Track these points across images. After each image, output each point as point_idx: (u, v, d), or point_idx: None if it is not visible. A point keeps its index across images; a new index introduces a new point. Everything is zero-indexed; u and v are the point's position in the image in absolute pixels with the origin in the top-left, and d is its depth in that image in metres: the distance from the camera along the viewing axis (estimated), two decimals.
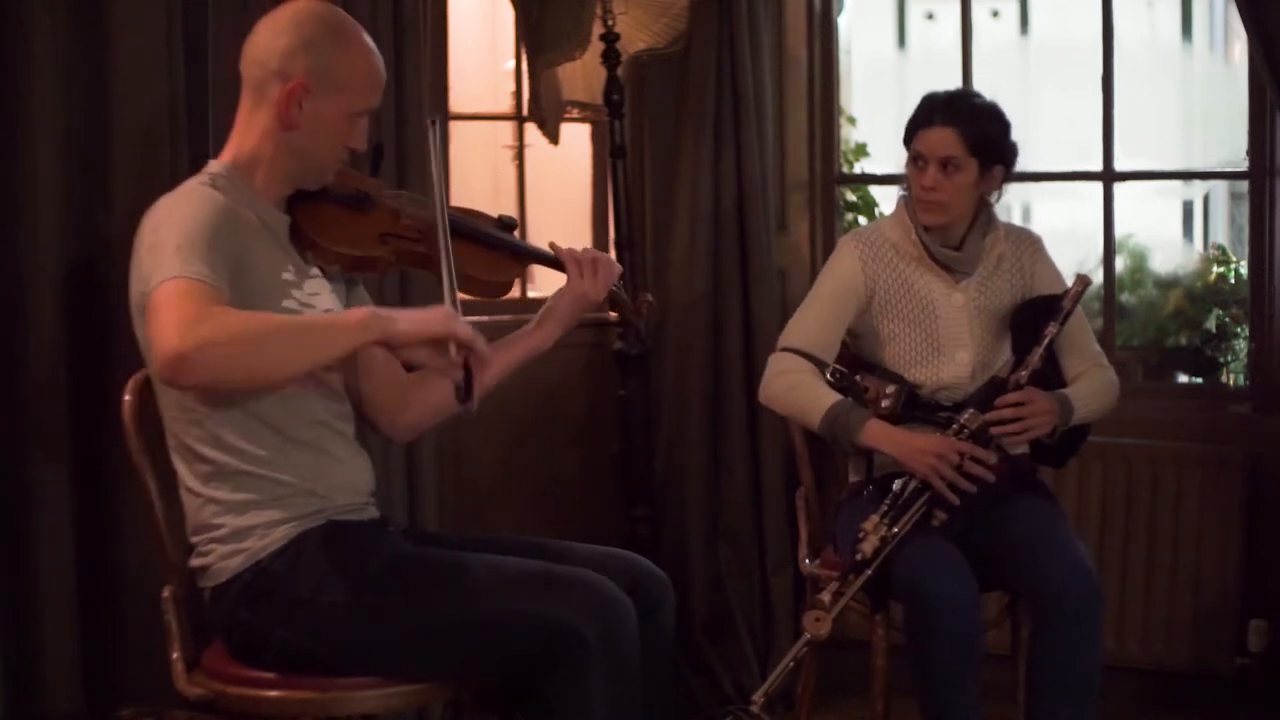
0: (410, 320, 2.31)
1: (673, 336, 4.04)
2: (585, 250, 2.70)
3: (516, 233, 2.73)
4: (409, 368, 2.58)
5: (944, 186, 3.09)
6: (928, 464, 2.92)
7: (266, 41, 2.46)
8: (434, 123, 2.55)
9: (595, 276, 2.66)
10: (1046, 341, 3.03)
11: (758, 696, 2.82)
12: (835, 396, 3.05)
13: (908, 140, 3.14)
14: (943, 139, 3.07)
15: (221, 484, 2.43)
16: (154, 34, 2.84)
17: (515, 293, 4.07)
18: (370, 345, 2.32)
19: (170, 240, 2.28)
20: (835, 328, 3.18)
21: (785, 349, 3.16)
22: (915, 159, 3.12)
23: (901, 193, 3.24)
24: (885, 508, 2.92)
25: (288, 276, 2.47)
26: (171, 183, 2.58)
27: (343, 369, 2.59)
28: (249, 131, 2.48)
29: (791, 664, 2.81)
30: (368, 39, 2.51)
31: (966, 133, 3.07)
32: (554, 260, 2.70)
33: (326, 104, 2.45)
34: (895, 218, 3.23)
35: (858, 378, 3.08)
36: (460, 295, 2.44)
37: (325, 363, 2.36)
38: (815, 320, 3.18)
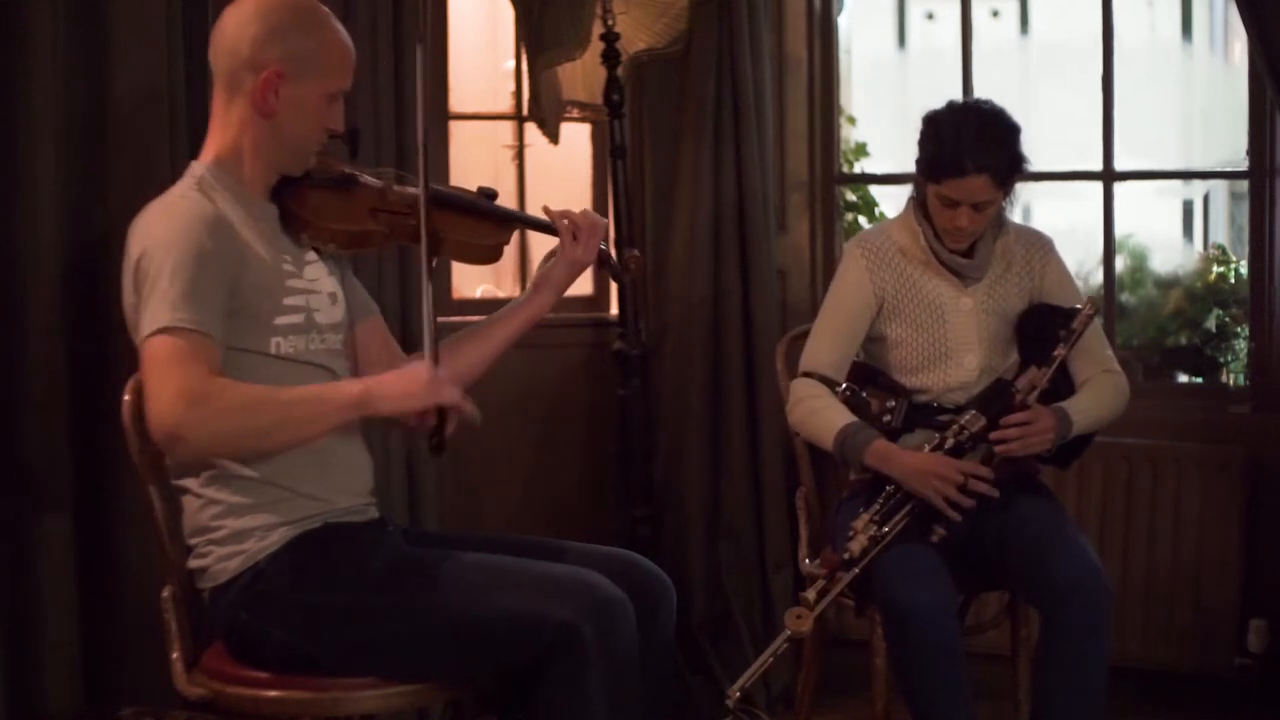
0: (397, 397, 2.39)
1: (673, 336, 4.04)
2: (573, 212, 2.71)
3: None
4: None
5: (976, 221, 3.08)
6: (932, 486, 2.93)
7: (235, 31, 2.45)
8: (422, 39, 2.51)
9: (587, 238, 2.68)
10: (1055, 365, 3.03)
11: (733, 690, 2.81)
12: (845, 419, 3.07)
13: (933, 179, 3.06)
14: (978, 186, 3.01)
15: (222, 486, 2.43)
16: (154, 33, 2.84)
17: (515, 292, 4.10)
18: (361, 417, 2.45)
19: (161, 271, 2.30)
20: (849, 344, 3.20)
21: (804, 373, 3.18)
22: (946, 200, 3.06)
23: (911, 195, 3.21)
24: (877, 507, 2.93)
25: (287, 267, 2.47)
26: (172, 180, 2.58)
27: (347, 363, 2.60)
28: (227, 125, 2.48)
29: (770, 659, 2.81)
30: (334, 19, 2.52)
31: (999, 173, 3.02)
32: (542, 224, 2.71)
33: (302, 88, 2.45)
34: (903, 221, 3.21)
35: (865, 394, 3.11)
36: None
37: (312, 439, 2.42)
38: (829, 341, 3.19)
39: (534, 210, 2.78)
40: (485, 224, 2.66)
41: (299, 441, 2.39)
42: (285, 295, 2.45)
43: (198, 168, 2.48)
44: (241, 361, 2.38)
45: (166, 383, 2.23)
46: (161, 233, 2.35)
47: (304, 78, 2.45)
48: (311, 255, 2.53)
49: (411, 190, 2.56)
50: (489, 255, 2.68)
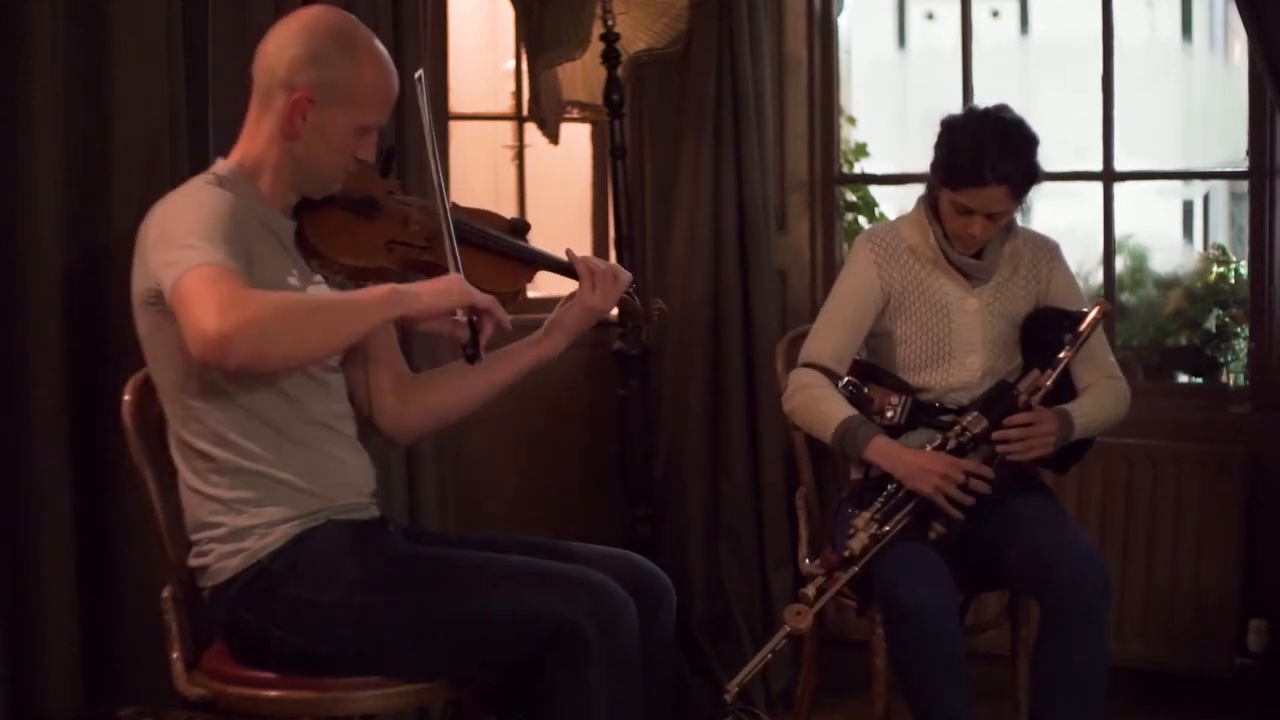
0: (431, 294, 2.36)
1: (673, 336, 4.04)
2: (597, 260, 2.69)
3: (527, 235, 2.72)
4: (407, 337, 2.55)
5: (989, 230, 3.09)
6: (933, 484, 2.93)
7: (276, 49, 2.44)
8: (419, 79, 2.51)
9: (606, 288, 2.65)
10: (1060, 368, 3.03)
11: (731, 686, 2.82)
12: (846, 412, 3.07)
13: (950, 187, 3.06)
14: (996, 197, 3.02)
15: (221, 480, 2.43)
16: (154, 34, 2.83)
17: None
18: (395, 319, 2.38)
19: (183, 234, 2.28)
20: (853, 337, 3.20)
21: (805, 364, 3.17)
22: (960, 208, 3.06)
23: (922, 194, 3.22)
24: (878, 506, 2.93)
25: (293, 281, 2.46)
26: (172, 183, 2.58)
27: (344, 370, 2.59)
28: (255, 137, 2.48)
29: (769, 655, 2.81)
30: (380, 51, 2.48)
31: (1018, 185, 3.02)
32: (565, 267, 2.67)
33: (331, 117, 2.43)
34: (913, 219, 3.21)
35: (866, 390, 3.10)
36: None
37: (356, 339, 2.41)
38: (833, 332, 3.19)
39: (539, 235, 2.75)
40: (503, 265, 2.60)
41: (345, 340, 2.38)
42: None
43: (221, 166, 2.48)
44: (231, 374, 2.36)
45: (205, 300, 2.18)
46: (181, 206, 2.36)
47: (333, 107, 2.42)
48: (319, 276, 2.52)
49: (434, 224, 2.50)
50: (503, 301, 2.64)
